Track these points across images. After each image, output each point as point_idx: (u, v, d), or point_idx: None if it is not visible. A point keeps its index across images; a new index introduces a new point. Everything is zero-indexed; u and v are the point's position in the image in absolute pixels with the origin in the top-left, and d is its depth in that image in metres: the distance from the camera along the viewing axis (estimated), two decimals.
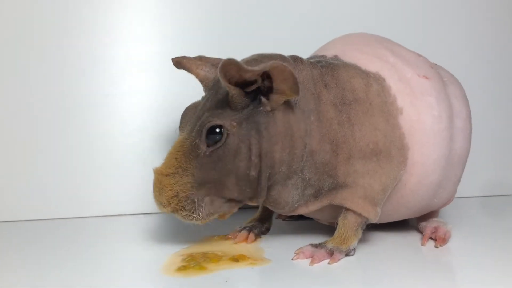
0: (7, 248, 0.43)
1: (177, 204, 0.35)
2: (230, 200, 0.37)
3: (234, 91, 0.34)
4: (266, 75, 0.34)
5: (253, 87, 0.35)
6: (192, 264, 0.35)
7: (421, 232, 0.43)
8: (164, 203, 0.36)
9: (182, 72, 0.53)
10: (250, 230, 0.42)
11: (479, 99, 0.61)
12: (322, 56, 0.41)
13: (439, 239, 0.40)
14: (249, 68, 0.33)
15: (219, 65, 0.33)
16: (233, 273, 0.34)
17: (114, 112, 0.54)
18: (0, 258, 0.40)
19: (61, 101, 0.53)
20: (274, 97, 0.35)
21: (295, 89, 0.34)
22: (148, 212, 0.54)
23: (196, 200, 0.35)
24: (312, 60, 0.40)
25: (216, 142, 0.35)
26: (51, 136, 0.53)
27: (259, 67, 0.33)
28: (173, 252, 0.39)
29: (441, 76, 0.41)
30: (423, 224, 0.43)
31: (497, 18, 0.63)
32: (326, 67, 0.39)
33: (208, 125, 0.35)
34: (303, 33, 0.56)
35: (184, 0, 0.55)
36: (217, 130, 0.35)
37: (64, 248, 0.41)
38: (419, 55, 0.42)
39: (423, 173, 0.38)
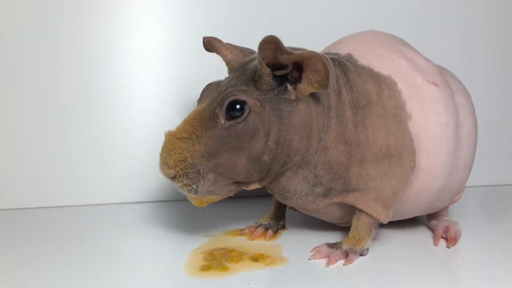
0: (26, 234, 0.45)
1: (181, 169, 0.35)
2: (233, 183, 0.36)
3: (264, 70, 0.34)
4: (297, 66, 0.35)
5: (282, 72, 0.35)
6: (214, 264, 0.37)
7: (431, 229, 0.45)
8: (170, 164, 0.35)
9: (199, 63, 0.54)
10: (267, 228, 0.43)
11: (488, 96, 0.62)
12: (336, 54, 0.41)
13: (451, 239, 0.41)
14: (288, 50, 0.33)
15: (262, 39, 0.32)
16: (254, 274, 0.35)
17: (131, 103, 0.55)
18: (17, 245, 0.42)
19: (79, 92, 0.54)
20: (301, 87, 0.35)
21: (324, 83, 0.34)
22: (167, 199, 0.56)
23: (201, 171, 0.35)
24: (330, 56, 0.40)
25: (235, 118, 0.34)
26: (69, 126, 0.54)
27: (296, 52, 0.33)
28: (193, 248, 0.40)
29: (448, 83, 0.41)
30: (433, 222, 0.45)
31: (502, 17, 0.63)
32: (341, 67, 0.39)
33: (232, 98, 0.35)
34: (312, 31, 0.57)
35: None
36: (238, 106, 0.34)
37: (79, 238, 0.43)
38: (428, 60, 0.42)
39: (428, 178, 0.39)
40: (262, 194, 0.48)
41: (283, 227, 0.45)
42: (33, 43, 0.52)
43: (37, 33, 0.52)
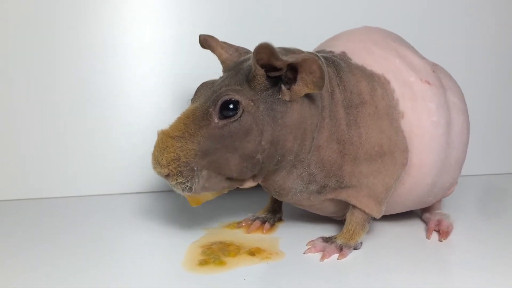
0: (24, 225, 0.46)
1: (175, 168, 0.35)
2: (227, 179, 0.37)
3: (259, 72, 0.35)
4: (291, 67, 0.35)
5: (277, 73, 0.35)
6: (212, 258, 0.38)
7: (425, 222, 0.46)
8: (162, 163, 0.35)
9: (197, 56, 0.54)
10: (264, 221, 0.44)
11: (484, 85, 0.63)
12: (330, 52, 0.42)
13: (443, 233, 0.42)
14: (282, 57, 0.33)
15: (257, 45, 0.33)
16: (250, 269, 0.36)
17: (129, 96, 0.56)
18: (15, 236, 0.43)
19: (77, 86, 0.54)
20: (296, 88, 0.35)
21: (319, 84, 0.35)
22: (166, 190, 0.57)
23: (195, 169, 0.35)
24: (323, 55, 0.41)
25: (229, 117, 0.35)
26: (67, 119, 0.55)
27: (291, 58, 0.34)
28: (192, 241, 0.41)
29: (441, 81, 0.42)
30: (426, 215, 0.46)
31: (499, 14, 0.63)
32: (335, 67, 0.40)
33: (225, 98, 0.35)
34: (308, 26, 0.57)
35: None
36: (232, 106, 0.35)
37: (77, 229, 0.45)
38: (422, 57, 0.42)
39: (420, 175, 0.40)
40: (258, 185, 0.49)
41: (280, 219, 0.46)
42: (30, 37, 0.53)
43: (34, 28, 0.53)
